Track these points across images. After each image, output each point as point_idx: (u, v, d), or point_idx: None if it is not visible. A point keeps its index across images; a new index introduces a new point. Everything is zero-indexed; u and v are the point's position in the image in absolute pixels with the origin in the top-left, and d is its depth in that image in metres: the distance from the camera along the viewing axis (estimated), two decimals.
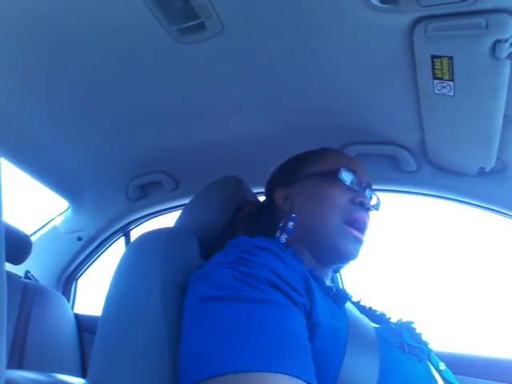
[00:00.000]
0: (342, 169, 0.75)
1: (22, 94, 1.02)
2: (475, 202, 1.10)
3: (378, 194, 0.83)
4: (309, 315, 0.55)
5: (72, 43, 0.85)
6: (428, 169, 1.10)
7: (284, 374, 0.44)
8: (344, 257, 0.73)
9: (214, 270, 0.57)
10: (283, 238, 0.72)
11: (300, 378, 0.45)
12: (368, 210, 0.76)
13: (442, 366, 0.66)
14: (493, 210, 1.09)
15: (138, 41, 0.83)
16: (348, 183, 0.75)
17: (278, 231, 0.74)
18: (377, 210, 0.82)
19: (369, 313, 0.76)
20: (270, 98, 0.98)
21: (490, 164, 0.99)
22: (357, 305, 0.77)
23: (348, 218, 0.73)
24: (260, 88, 0.95)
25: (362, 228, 0.74)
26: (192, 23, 0.76)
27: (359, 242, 0.73)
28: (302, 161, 0.82)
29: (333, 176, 0.75)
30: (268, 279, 0.53)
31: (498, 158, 0.98)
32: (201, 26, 0.76)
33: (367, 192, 0.78)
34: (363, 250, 0.76)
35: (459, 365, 0.99)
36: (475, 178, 1.06)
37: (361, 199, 0.74)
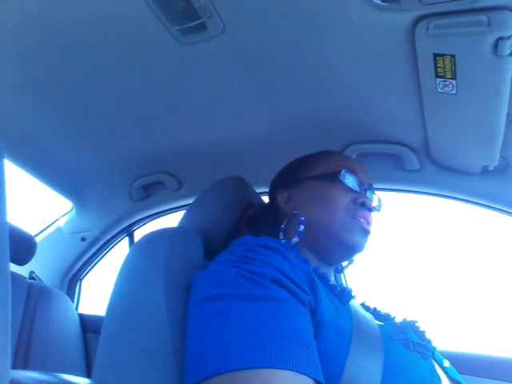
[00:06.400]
0: (343, 170, 0.75)
1: (25, 95, 1.02)
2: (478, 201, 1.10)
3: (380, 193, 0.83)
4: (314, 313, 0.55)
5: (73, 44, 0.85)
6: (431, 168, 1.10)
7: (289, 370, 0.44)
8: (351, 249, 0.73)
9: (219, 268, 0.57)
10: (293, 241, 0.71)
11: (305, 375, 0.45)
12: (370, 210, 0.75)
13: (446, 363, 0.66)
14: (496, 208, 1.09)
15: (139, 41, 0.83)
16: (349, 185, 0.74)
17: (281, 233, 0.74)
18: (378, 210, 0.82)
19: (374, 313, 0.76)
20: (272, 98, 0.98)
21: (494, 162, 0.99)
22: (361, 306, 0.77)
23: (352, 217, 0.73)
24: (262, 88, 0.95)
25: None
26: (193, 23, 0.76)
27: (366, 232, 0.74)
28: (303, 163, 0.83)
29: (333, 178, 0.75)
30: (273, 277, 0.53)
31: (501, 157, 0.98)
32: (202, 27, 0.77)
33: (368, 193, 0.78)
34: (368, 246, 0.75)
35: (463, 364, 0.99)
36: (478, 177, 1.06)
37: (362, 199, 0.74)
